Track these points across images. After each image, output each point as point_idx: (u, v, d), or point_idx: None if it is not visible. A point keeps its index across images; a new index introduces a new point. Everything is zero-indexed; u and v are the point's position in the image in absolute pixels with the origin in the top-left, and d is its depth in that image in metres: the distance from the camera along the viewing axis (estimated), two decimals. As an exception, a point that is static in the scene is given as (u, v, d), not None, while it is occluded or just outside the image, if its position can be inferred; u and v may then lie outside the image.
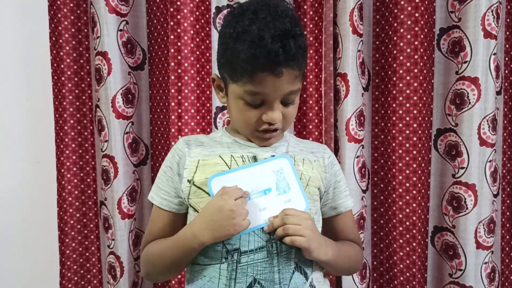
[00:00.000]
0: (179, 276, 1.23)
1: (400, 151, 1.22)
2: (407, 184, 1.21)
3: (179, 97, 1.20)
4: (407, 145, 1.20)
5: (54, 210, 1.30)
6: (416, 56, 1.16)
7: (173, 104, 1.20)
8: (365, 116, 1.27)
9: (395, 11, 1.19)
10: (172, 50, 1.18)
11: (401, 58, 1.19)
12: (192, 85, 1.21)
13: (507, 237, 1.35)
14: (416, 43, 1.16)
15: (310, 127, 1.28)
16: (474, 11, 1.14)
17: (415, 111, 1.18)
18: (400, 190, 1.23)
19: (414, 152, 1.19)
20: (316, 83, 1.26)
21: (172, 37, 1.18)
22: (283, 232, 0.68)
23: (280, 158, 0.75)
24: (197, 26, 1.21)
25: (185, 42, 1.19)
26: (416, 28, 1.16)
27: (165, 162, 0.80)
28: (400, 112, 1.21)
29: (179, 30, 1.18)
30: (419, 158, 1.19)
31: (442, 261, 1.27)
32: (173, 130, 1.21)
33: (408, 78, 1.18)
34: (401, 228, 1.24)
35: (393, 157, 1.24)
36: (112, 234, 1.27)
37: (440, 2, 1.22)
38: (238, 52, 0.66)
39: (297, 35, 0.67)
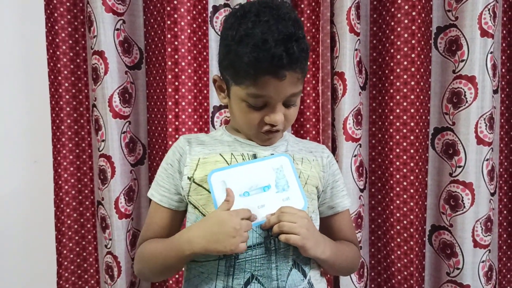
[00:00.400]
0: (177, 276, 1.23)
1: (398, 150, 1.22)
2: (405, 183, 1.21)
3: (176, 96, 1.20)
4: (405, 144, 1.20)
5: (51, 210, 1.30)
6: (413, 55, 1.16)
7: (170, 103, 1.20)
8: (363, 115, 1.27)
9: (392, 10, 1.19)
10: (169, 49, 1.18)
11: (398, 57, 1.19)
12: (189, 84, 1.21)
13: (504, 235, 1.35)
14: (413, 42, 1.16)
15: (308, 126, 1.28)
16: (471, 9, 1.14)
17: (412, 110, 1.18)
18: (398, 189, 1.23)
19: (412, 151, 1.19)
20: (314, 82, 1.26)
21: (169, 36, 1.18)
22: (278, 230, 0.68)
23: (280, 156, 0.76)
24: (194, 25, 1.21)
25: (182, 41, 1.19)
26: (413, 27, 1.16)
27: (166, 160, 0.80)
28: (398, 111, 1.21)
29: (176, 29, 1.18)
30: (417, 157, 1.19)
31: (440, 260, 1.27)
32: (170, 129, 1.20)
33: (405, 77, 1.18)
34: (398, 227, 1.24)
35: (391, 156, 1.24)
36: (110, 234, 1.27)
37: (437, 1, 1.22)
38: (241, 55, 0.66)
39: (300, 38, 0.67)
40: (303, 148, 0.84)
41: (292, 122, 0.78)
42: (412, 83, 1.17)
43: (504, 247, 1.35)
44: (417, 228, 1.21)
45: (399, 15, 1.18)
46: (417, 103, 1.18)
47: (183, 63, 1.19)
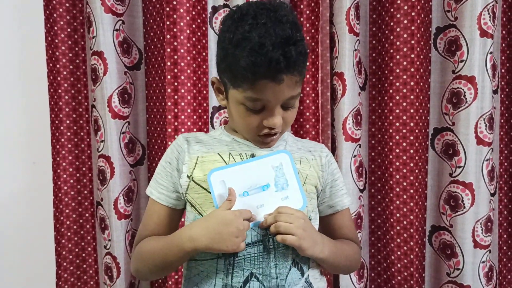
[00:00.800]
0: (176, 277, 1.22)
1: (397, 150, 1.22)
2: (404, 183, 1.21)
3: (176, 97, 1.20)
4: (404, 144, 1.20)
5: (50, 211, 1.30)
6: (412, 55, 1.16)
7: (169, 103, 1.20)
8: (362, 115, 1.27)
9: (392, 10, 1.19)
10: (169, 50, 1.18)
11: (397, 57, 1.19)
12: (189, 84, 1.21)
13: (505, 236, 1.35)
14: (412, 42, 1.16)
15: (307, 126, 1.28)
16: (470, 10, 1.14)
17: (412, 110, 1.18)
18: (398, 189, 1.23)
19: (411, 151, 1.19)
20: (313, 82, 1.26)
21: (168, 36, 1.18)
22: (275, 230, 0.68)
23: (280, 153, 0.75)
24: (194, 26, 1.21)
25: (181, 41, 1.18)
26: (413, 27, 1.16)
27: (164, 157, 0.81)
28: (397, 111, 1.21)
29: (175, 30, 1.18)
30: (416, 157, 1.19)
31: (440, 261, 1.27)
32: (169, 130, 1.20)
33: (404, 77, 1.18)
34: (398, 228, 1.23)
35: (390, 156, 1.23)
36: (109, 235, 1.26)
37: (436, 1, 1.22)
38: (238, 59, 0.65)
39: (298, 41, 0.66)
40: (302, 147, 0.84)
41: (291, 124, 0.78)
42: (412, 83, 1.17)
43: (505, 248, 1.35)
44: (417, 228, 1.21)
45: (398, 16, 1.18)
46: (417, 104, 1.18)
47: (182, 64, 1.19)
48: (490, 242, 1.21)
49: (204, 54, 1.25)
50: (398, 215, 1.23)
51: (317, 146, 0.86)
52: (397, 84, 1.20)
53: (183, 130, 1.21)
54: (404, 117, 1.20)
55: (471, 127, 1.16)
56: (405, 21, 1.16)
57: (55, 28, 1.28)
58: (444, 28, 1.22)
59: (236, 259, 0.70)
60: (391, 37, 1.20)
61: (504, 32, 1.28)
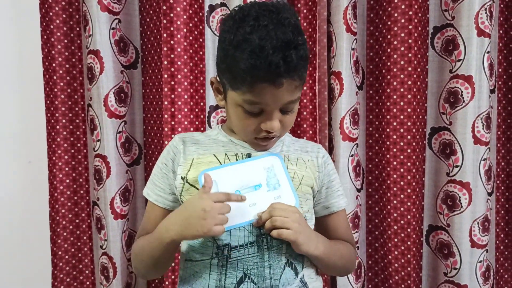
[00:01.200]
0: (173, 277, 1.22)
1: (395, 150, 1.21)
2: (402, 183, 1.21)
3: (172, 96, 1.19)
4: (402, 143, 1.20)
5: (46, 210, 1.29)
6: (410, 55, 1.16)
7: (166, 103, 1.19)
8: (359, 115, 1.27)
9: (389, 9, 1.19)
10: (165, 49, 1.17)
11: (395, 56, 1.19)
12: (186, 83, 1.20)
13: (502, 235, 1.35)
14: (410, 41, 1.16)
15: (305, 126, 1.27)
16: (467, 9, 1.14)
17: (409, 110, 1.18)
18: (395, 188, 1.22)
19: (409, 150, 1.19)
20: (310, 81, 1.26)
21: (165, 35, 1.17)
22: (270, 225, 0.68)
23: (271, 156, 0.76)
24: (190, 25, 1.20)
25: (178, 40, 1.18)
26: (410, 27, 1.15)
27: (161, 159, 0.80)
28: (394, 110, 1.21)
29: (172, 28, 1.17)
30: (414, 157, 1.19)
31: (437, 260, 1.26)
32: (166, 129, 1.20)
33: (402, 76, 1.18)
34: (395, 227, 1.23)
35: (388, 156, 1.23)
36: (105, 235, 1.26)
37: (434, 1, 1.22)
38: (238, 60, 0.64)
39: (299, 45, 0.65)
40: (299, 148, 0.84)
41: (289, 128, 0.78)
42: (409, 82, 1.17)
43: (502, 247, 1.35)
44: (414, 228, 1.20)
45: (395, 15, 1.17)
46: (414, 103, 1.17)
47: (179, 63, 1.18)
48: (487, 242, 1.21)
49: (201, 53, 1.24)
50: (395, 214, 1.23)
51: (314, 147, 0.86)
52: (395, 83, 1.20)
53: (180, 129, 1.20)
54: (402, 117, 1.19)
55: (468, 127, 1.16)
56: (403, 20, 1.16)
57: (51, 26, 1.27)
58: (441, 27, 1.22)
59: (230, 260, 0.70)
60: (389, 36, 1.20)
61: (501, 31, 1.28)
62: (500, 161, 1.32)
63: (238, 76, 0.66)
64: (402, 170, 1.20)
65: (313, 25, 1.24)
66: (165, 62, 1.18)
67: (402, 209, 1.21)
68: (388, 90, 1.22)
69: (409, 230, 1.20)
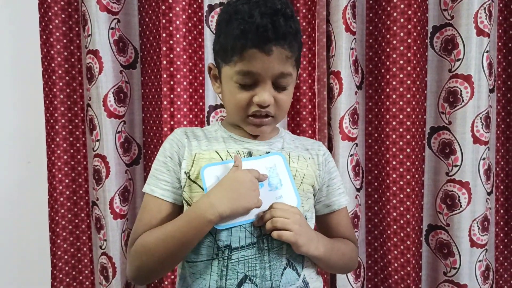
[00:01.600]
0: (172, 277, 1.22)
1: (394, 149, 1.21)
2: (401, 182, 1.21)
3: (172, 96, 1.19)
4: (401, 143, 1.20)
5: (45, 210, 1.29)
6: (409, 54, 1.16)
7: (165, 103, 1.19)
8: (359, 114, 1.27)
9: (388, 9, 1.19)
10: (164, 48, 1.17)
11: (394, 56, 1.19)
12: (185, 83, 1.20)
13: (501, 235, 1.35)
14: (409, 41, 1.16)
15: (304, 125, 1.27)
16: (466, 8, 1.14)
17: (408, 109, 1.18)
18: (394, 188, 1.22)
19: (408, 150, 1.19)
20: (310, 81, 1.26)
21: (164, 35, 1.17)
22: (271, 226, 0.68)
23: (274, 155, 0.75)
24: (190, 24, 1.20)
25: (177, 40, 1.18)
26: (409, 26, 1.15)
27: (163, 153, 0.77)
28: (394, 110, 1.21)
29: (171, 28, 1.17)
30: (413, 156, 1.19)
31: (437, 260, 1.26)
32: (165, 129, 1.19)
33: (401, 76, 1.18)
34: (395, 227, 1.23)
35: (387, 155, 1.23)
36: (104, 235, 1.26)
37: (433, 0, 1.22)
38: (229, 32, 0.68)
39: (287, 15, 0.68)
40: (299, 145, 0.83)
41: (285, 110, 0.76)
42: (408, 82, 1.17)
43: (501, 247, 1.35)
44: (414, 227, 1.20)
45: (395, 14, 1.17)
46: (413, 102, 1.17)
47: (178, 62, 1.18)
48: (487, 241, 1.21)
49: (200, 52, 1.24)
50: (394, 214, 1.23)
51: (314, 144, 0.86)
52: (394, 83, 1.20)
53: (179, 129, 1.20)
54: (401, 116, 1.19)
55: (467, 126, 1.16)
56: (402, 20, 1.16)
57: (50, 26, 1.27)
58: (440, 27, 1.22)
59: (230, 262, 0.69)
60: (388, 36, 1.20)
61: (500, 30, 1.28)
62: (499, 160, 1.32)
63: (229, 46, 0.68)
64: (401, 169, 1.20)
65: (312, 24, 1.24)
66: (164, 62, 1.18)
67: (401, 208, 1.21)
68: (388, 90, 1.22)
69: (408, 229, 1.20)
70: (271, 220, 0.68)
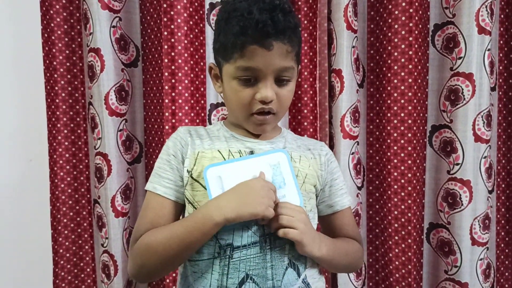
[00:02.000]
0: (174, 275, 1.22)
1: (395, 148, 1.21)
2: (402, 181, 1.21)
3: (173, 94, 1.19)
4: (402, 141, 1.20)
5: (47, 209, 1.29)
6: (410, 52, 1.16)
7: (166, 101, 1.19)
8: (360, 113, 1.27)
9: (390, 7, 1.19)
10: (166, 47, 1.17)
11: (395, 54, 1.19)
12: (186, 81, 1.20)
13: (502, 233, 1.35)
14: (410, 39, 1.16)
15: (305, 123, 1.27)
16: (468, 7, 1.14)
17: (409, 107, 1.18)
18: (395, 186, 1.22)
19: (409, 148, 1.19)
20: (311, 79, 1.26)
21: (165, 33, 1.17)
22: (277, 223, 0.68)
23: (278, 152, 0.75)
24: (191, 23, 1.20)
25: (178, 38, 1.18)
26: (411, 24, 1.15)
27: (167, 151, 0.77)
28: (395, 108, 1.21)
29: (172, 27, 1.17)
30: (414, 155, 1.19)
31: (438, 258, 1.27)
32: (167, 127, 1.20)
33: (402, 74, 1.18)
34: (396, 225, 1.23)
35: (388, 154, 1.23)
36: (106, 233, 1.26)
37: (435, -2, 1.22)
38: (229, 29, 0.68)
39: (286, 11, 0.68)
40: (302, 145, 0.83)
41: (286, 106, 0.77)
42: (410, 80, 1.17)
43: (502, 245, 1.35)
44: (415, 226, 1.21)
45: (396, 12, 1.17)
46: (415, 101, 1.17)
47: (179, 61, 1.19)
48: (488, 240, 1.21)
49: (201, 51, 1.24)
50: (396, 212, 1.23)
51: (317, 144, 0.85)
52: (395, 81, 1.20)
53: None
54: (402, 114, 1.19)
55: (469, 124, 1.16)
56: (403, 18, 1.16)
57: (52, 25, 1.27)
58: (442, 25, 1.22)
59: (232, 261, 0.69)
60: (389, 34, 1.20)
61: (502, 29, 1.28)
62: (500, 159, 1.32)
63: (229, 43, 0.68)
64: (402, 168, 1.20)
65: (314, 22, 1.24)
66: (166, 60, 1.18)
67: (402, 207, 1.21)
68: (389, 88, 1.22)
69: (409, 228, 1.20)
70: (276, 218, 0.68)
